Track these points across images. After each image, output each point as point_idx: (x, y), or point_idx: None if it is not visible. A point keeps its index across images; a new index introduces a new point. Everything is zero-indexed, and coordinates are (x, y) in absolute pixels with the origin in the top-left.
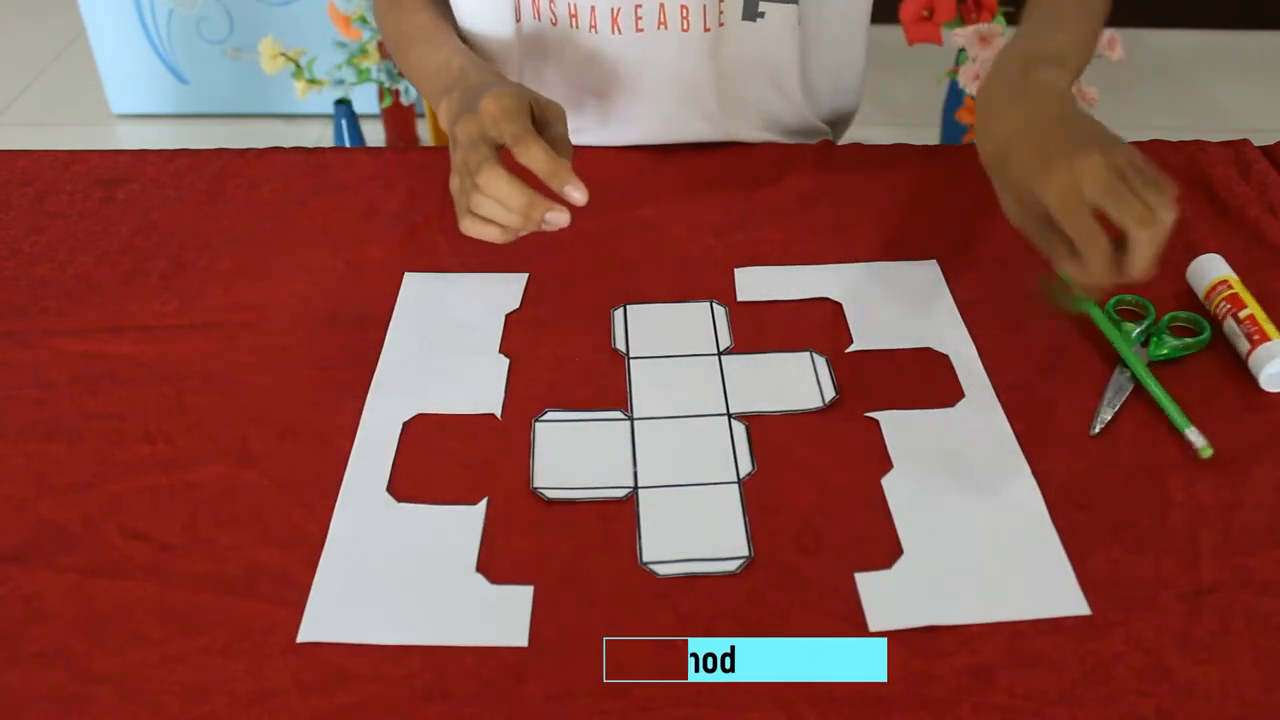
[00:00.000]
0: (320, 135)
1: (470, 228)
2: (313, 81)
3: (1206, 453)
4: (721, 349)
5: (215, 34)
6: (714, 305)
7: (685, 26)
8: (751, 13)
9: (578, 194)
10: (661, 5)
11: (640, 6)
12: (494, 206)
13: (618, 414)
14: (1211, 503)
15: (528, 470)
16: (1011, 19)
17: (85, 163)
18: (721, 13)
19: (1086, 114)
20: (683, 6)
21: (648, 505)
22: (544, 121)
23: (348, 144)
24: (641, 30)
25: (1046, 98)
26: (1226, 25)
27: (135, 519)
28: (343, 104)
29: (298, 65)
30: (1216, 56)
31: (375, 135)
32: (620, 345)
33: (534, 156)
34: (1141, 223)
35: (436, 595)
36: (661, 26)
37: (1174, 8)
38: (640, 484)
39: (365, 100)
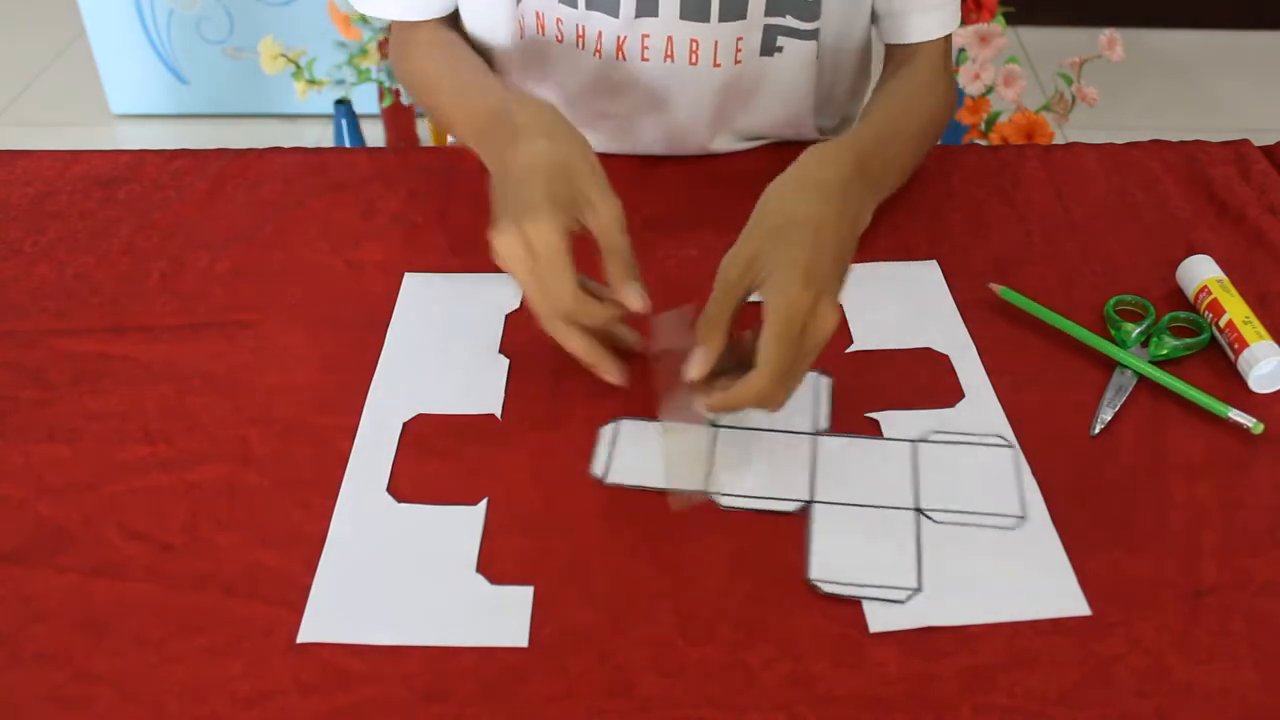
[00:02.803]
0: (320, 135)
1: (556, 332)
2: (313, 81)
3: (1259, 429)
4: None
5: (215, 34)
6: None
7: (694, 60)
8: (770, 47)
9: (637, 300)
10: (670, 37)
11: (647, 36)
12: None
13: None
14: (1211, 503)
15: (531, 470)
16: (1011, 19)
17: (85, 163)
18: (739, 51)
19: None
20: (692, 40)
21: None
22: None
23: (348, 144)
24: (647, 60)
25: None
26: (1227, 25)
27: (135, 519)
28: (343, 104)
29: (298, 65)
30: (1217, 56)
31: (375, 135)
32: None
33: (590, 314)
34: (763, 399)
35: (436, 595)
36: (669, 59)
37: (1174, 8)
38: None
39: (365, 100)
